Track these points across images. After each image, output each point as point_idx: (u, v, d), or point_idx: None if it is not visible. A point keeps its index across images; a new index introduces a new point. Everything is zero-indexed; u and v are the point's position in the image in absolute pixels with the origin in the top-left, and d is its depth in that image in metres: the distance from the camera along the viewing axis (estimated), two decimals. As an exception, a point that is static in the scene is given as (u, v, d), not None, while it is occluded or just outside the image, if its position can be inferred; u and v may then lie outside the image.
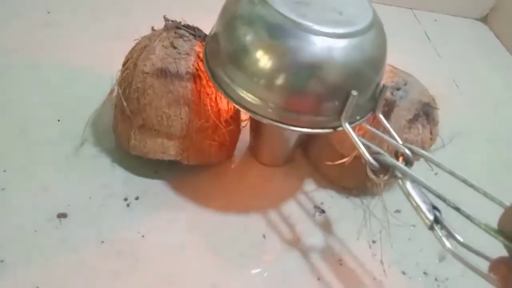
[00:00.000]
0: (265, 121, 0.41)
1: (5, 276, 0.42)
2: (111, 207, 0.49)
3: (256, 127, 0.55)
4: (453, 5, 1.05)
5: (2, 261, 0.43)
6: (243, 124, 0.56)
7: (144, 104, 0.47)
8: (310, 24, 0.38)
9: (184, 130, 0.48)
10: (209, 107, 0.48)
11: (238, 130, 0.55)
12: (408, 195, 0.36)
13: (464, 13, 1.07)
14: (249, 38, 0.39)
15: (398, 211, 0.57)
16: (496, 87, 0.88)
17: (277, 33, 0.38)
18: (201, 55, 0.47)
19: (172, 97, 0.46)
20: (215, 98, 0.48)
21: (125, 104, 0.48)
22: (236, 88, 0.41)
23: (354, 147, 0.51)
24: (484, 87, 0.87)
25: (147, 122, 0.48)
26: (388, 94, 0.50)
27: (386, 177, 0.39)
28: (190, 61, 0.46)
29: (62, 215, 0.47)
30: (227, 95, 0.42)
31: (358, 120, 0.44)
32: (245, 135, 0.58)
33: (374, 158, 0.40)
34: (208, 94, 0.47)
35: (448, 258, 0.53)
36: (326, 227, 0.53)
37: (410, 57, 0.74)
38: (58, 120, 0.57)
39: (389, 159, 0.39)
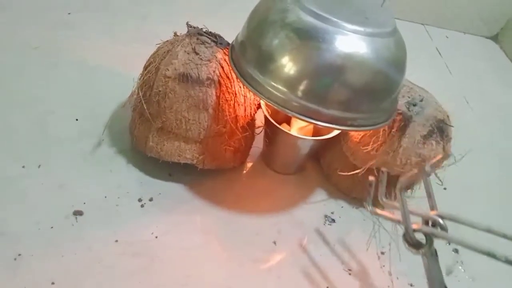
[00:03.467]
0: (292, 114, 0.41)
1: (22, 270, 0.42)
2: (126, 207, 0.50)
3: (271, 135, 0.55)
4: (465, 23, 1.06)
5: (19, 255, 0.43)
6: (257, 131, 0.57)
7: (164, 107, 0.48)
8: (341, 22, 0.40)
9: (201, 134, 0.49)
10: (227, 113, 0.48)
11: (252, 137, 0.56)
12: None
13: (475, 31, 1.08)
14: (281, 39, 0.41)
15: (407, 224, 0.57)
16: (506, 104, 0.89)
17: (309, 32, 0.40)
18: (222, 61, 0.48)
19: (192, 102, 0.47)
20: (234, 104, 0.49)
21: (145, 106, 0.49)
22: (265, 85, 0.42)
23: (367, 158, 0.52)
24: (494, 104, 0.88)
25: (166, 125, 0.49)
26: (404, 109, 0.50)
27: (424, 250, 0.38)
28: (211, 68, 0.47)
29: (78, 213, 0.48)
30: (255, 90, 0.42)
31: (382, 123, 0.45)
32: (258, 142, 0.59)
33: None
34: (227, 100, 0.48)
35: (456, 272, 0.53)
36: (336, 236, 0.54)
37: (421, 72, 0.74)
38: (77, 120, 0.58)
39: (429, 229, 0.38)
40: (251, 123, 0.54)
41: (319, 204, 0.57)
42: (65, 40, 0.69)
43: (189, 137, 0.49)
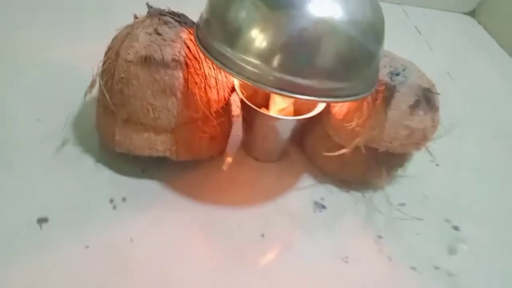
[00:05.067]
0: (268, 89, 0.37)
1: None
2: (96, 210, 0.46)
3: (249, 119, 0.51)
4: (441, 0, 1.05)
5: (-27, 271, 0.39)
6: (234, 119, 0.53)
7: (128, 95, 0.43)
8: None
9: (172, 122, 0.45)
10: (198, 97, 0.44)
11: (229, 123, 0.52)
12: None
13: (452, 7, 1.06)
14: (248, 9, 0.37)
15: (402, 204, 0.54)
16: (488, 78, 0.87)
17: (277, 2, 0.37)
18: (187, 41, 0.44)
19: (158, 87, 0.43)
20: (205, 87, 0.45)
21: (107, 96, 0.44)
22: (235, 59, 0.38)
23: (352, 136, 0.49)
24: (477, 78, 0.86)
25: (132, 116, 0.44)
26: (387, 79, 0.47)
27: None
28: (176, 48, 0.43)
29: (42, 220, 0.44)
30: (226, 67, 0.38)
31: (364, 93, 0.41)
32: (237, 130, 0.55)
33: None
34: (196, 83, 0.44)
35: (459, 251, 0.50)
36: (328, 223, 0.50)
37: (403, 50, 0.72)
38: (38, 120, 0.53)
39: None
40: (227, 108, 0.50)
41: (307, 190, 0.54)
42: (23, 40, 0.64)
43: (158, 126, 0.45)
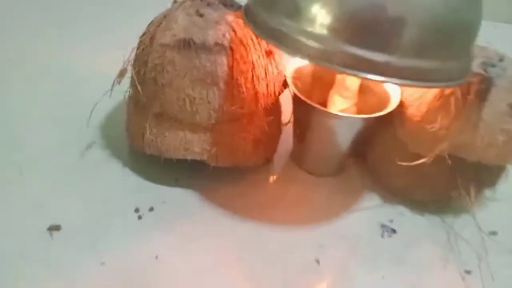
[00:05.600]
0: (335, 68, 0.29)
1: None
2: (118, 220, 0.38)
3: (302, 121, 0.43)
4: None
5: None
6: (283, 125, 0.46)
7: (162, 85, 0.37)
8: None
9: (212, 118, 0.37)
10: (244, 89, 0.37)
11: (279, 125, 0.44)
12: None
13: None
14: None
15: (494, 232, 0.43)
16: None
17: None
18: (234, 24, 0.37)
19: (198, 75, 0.36)
20: (252, 78, 0.38)
21: (139, 88, 0.38)
22: (295, 34, 0.30)
23: (434, 141, 0.39)
24: None
25: (166, 109, 0.38)
26: (480, 71, 0.38)
27: None
28: (220, 31, 0.37)
29: (54, 228, 0.37)
30: (282, 44, 0.31)
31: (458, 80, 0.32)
32: (286, 136, 0.47)
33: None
34: (242, 72, 0.37)
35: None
36: (400, 251, 0.40)
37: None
38: (61, 124, 0.48)
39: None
40: (276, 107, 0.42)
41: (371, 211, 0.44)
42: (45, 52, 0.60)
43: (196, 122, 0.38)
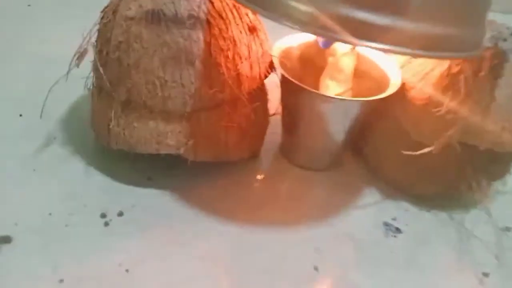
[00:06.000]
0: (330, 36, 0.24)
1: None
2: (81, 227, 0.33)
3: (292, 107, 0.38)
4: None
5: None
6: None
7: (128, 66, 0.31)
8: None
9: (188, 105, 0.32)
10: (225, 69, 0.32)
11: (266, 113, 0.39)
12: None
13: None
14: None
15: (508, 228, 0.38)
16: None
17: None
18: (211, -5, 0.32)
19: (169, 53, 0.31)
20: (233, 56, 0.32)
21: (101, 70, 0.33)
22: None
23: (441, 127, 0.34)
24: None
25: (133, 95, 0.32)
26: (490, 45, 0.33)
27: None
28: (195, 2, 0.31)
29: (2, 240, 0.31)
30: (265, 10, 0.26)
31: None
32: (274, 131, 0.42)
33: None
34: (222, 50, 0.32)
35: None
36: (407, 253, 0.35)
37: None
38: (20, 115, 0.42)
39: None
40: (262, 91, 0.37)
41: (372, 208, 0.39)
42: (19, 33, 0.54)
43: (169, 110, 0.32)
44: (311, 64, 0.42)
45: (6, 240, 0.31)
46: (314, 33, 0.26)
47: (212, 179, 0.38)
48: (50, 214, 0.33)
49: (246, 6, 0.28)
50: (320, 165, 0.41)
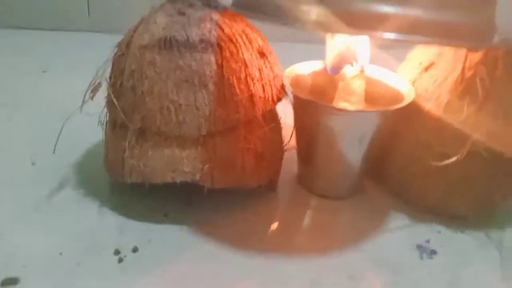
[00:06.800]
0: (344, 31, 0.24)
1: None
2: (93, 265, 0.30)
3: (307, 135, 0.38)
4: None
5: None
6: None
7: (142, 93, 0.31)
8: None
9: (202, 128, 0.31)
10: (238, 90, 0.32)
11: (281, 137, 0.38)
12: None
13: None
14: None
15: (553, 243, 0.35)
16: None
17: None
18: (220, 23, 0.33)
19: (182, 76, 0.31)
20: (245, 78, 0.32)
21: (116, 103, 0.33)
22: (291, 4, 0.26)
23: (463, 137, 0.33)
24: None
25: (147, 123, 0.32)
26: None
27: None
28: (206, 28, 0.32)
29: (9, 282, 0.29)
30: (279, 17, 0.26)
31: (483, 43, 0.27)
32: (289, 164, 0.40)
33: None
34: (234, 71, 0.32)
35: None
36: (449, 274, 0.32)
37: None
38: (33, 164, 0.41)
39: None
40: (276, 115, 0.37)
41: (402, 232, 0.36)
42: (32, 82, 0.56)
43: (184, 135, 0.32)
44: (322, 94, 0.42)
45: (12, 281, 0.29)
46: (330, 32, 0.26)
47: (231, 213, 0.36)
48: (60, 253, 0.31)
49: (256, 19, 0.28)
50: (340, 192, 0.40)
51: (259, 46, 0.35)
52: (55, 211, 0.35)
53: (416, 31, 0.24)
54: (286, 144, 0.39)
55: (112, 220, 0.35)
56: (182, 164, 0.32)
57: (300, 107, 0.36)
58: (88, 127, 0.39)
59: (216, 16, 0.34)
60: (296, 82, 0.39)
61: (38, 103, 0.53)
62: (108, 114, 0.36)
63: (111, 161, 0.35)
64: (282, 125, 0.38)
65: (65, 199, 0.37)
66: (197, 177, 0.32)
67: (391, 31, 0.24)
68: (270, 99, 0.34)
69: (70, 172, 0.40)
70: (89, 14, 0.76)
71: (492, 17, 0.30)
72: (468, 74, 0.33)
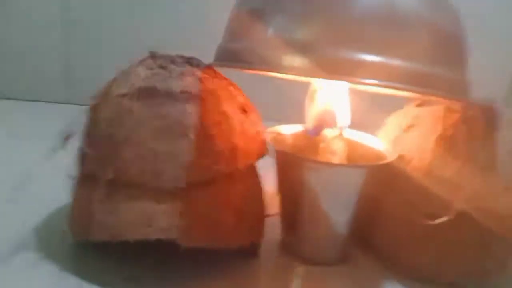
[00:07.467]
0: (325, 76, 0.24)
1: None
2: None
3: (291, 192, 0.36)
4: None
5: None
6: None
7: (118, 142, 0.30)
8: None
9: (181, 179, 0.29)
10: (219, 141, 0.31)
11: (261, 195, 0.36)
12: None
13: None
14: None
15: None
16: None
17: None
18: (202, 78, 0.33)
19: (162, 123, 0.30)
20: (227, 129, 0.32)
21: (88, 152, 0.31)
22: (270, 50, 0.26)
23: (453, 193, 0.33)
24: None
25: (121, 173, 0.30)
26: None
27: None
28: (187, 81, 0.32)
29: None
30: (260, 64, 0.26)
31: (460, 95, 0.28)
32: (271, 233, 0.38)
33: None
34: (216, 122, 0.31)
35: None
36: None
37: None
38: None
39: None
40: (257, 172, 0.35)
41: (395, 301, 0.33)
42: None
43: (161, 187, 0.29)
44: (302, 151, 0.41)
45: None
46: (308, 77, 0.26)
47: (208, 281, 0.33)
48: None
49: (240, 68, 0.28)
50: (327, 257, 0.37)
51: (241, 102, 0.34)
52: (9, 277, 0.31)
53: (395, 79, 0.25)
54: (268, 212, 0.37)
55: (72, 284, 0.31)
56: (157, 219, 0.29)
57: (284, 163, 0.35)
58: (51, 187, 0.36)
59: (198, 72, 0.34)
60: (278, 142, 0.39)
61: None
62: (78, 166, 0.33)
63: (77, 218, 0.32)
64: (263, 189, 0.37)
65: (22, 262, 0.32)
66: (173, 234, 0.29)
67: (373, 78, 0.25)
68: (252, 153, 0.33)
69: (29, 232, 0.36)
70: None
71: (466, 75, 0.31)
72: (449, 132, 0.33)
